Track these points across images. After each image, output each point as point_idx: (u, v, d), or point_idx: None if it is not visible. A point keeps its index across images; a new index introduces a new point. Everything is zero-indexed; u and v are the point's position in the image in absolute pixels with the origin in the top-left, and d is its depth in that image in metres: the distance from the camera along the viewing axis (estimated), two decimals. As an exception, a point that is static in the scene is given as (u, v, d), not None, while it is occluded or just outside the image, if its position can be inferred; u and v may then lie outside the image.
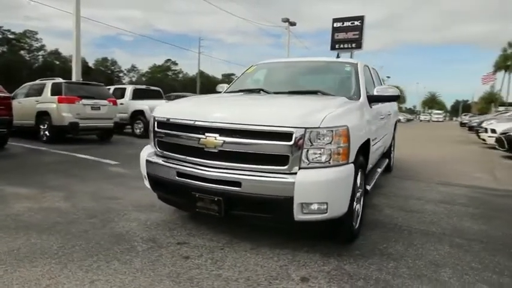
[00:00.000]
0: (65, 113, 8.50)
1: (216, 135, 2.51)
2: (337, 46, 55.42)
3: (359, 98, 3.39)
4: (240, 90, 3.91)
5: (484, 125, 13.24)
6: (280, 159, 2.40)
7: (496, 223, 3.61)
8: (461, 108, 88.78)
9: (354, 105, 3.02)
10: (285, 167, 2.38)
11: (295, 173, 2.37)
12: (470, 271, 2.49)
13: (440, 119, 66.79)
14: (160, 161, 2.85)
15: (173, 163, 2.75)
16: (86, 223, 3.16)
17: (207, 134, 2.55)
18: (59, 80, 9.47)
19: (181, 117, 2.77)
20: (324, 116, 2.42)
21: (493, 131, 11.32)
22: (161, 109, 3.05)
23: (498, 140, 9.53)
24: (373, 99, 3.55)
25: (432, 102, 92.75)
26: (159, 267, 2.37)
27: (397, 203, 4.22)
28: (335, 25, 55.99)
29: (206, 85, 51.69)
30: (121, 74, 63.74)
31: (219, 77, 71.57)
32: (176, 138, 2.77)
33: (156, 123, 2.94)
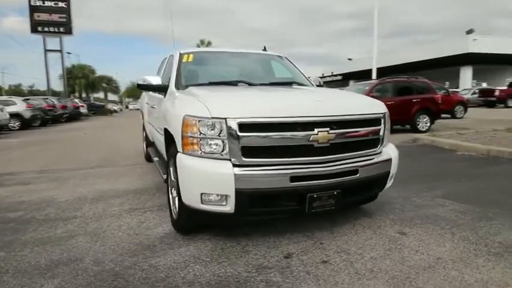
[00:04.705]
0: None
1: (328, 128, 2.47)
2: (39, 29, 46.78)
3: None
4: (213, 83, 3.46)
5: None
6: (374, 142, 2.78)
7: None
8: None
9: None
10: (376, 148, 2.79)
11: (380, 152, 2.84)
12: (428, 196, 3.86)
13: (138, 107, 70.83)
14: (261, 171, 2.34)
15: (280, 169, 2.37)
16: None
17: (317, 129, 2.44)
18: None
19: (281, 115, 2.40)
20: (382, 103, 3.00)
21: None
22: (233, 109, 2.39)
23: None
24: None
25: (135, 91, 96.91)
26: (333, 278, 2.17)
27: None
28: (32, 3, 46.96)
29: None
30: None
31: None
32: (278, 140, 2.37)
33: (238, 127, 2.30)
